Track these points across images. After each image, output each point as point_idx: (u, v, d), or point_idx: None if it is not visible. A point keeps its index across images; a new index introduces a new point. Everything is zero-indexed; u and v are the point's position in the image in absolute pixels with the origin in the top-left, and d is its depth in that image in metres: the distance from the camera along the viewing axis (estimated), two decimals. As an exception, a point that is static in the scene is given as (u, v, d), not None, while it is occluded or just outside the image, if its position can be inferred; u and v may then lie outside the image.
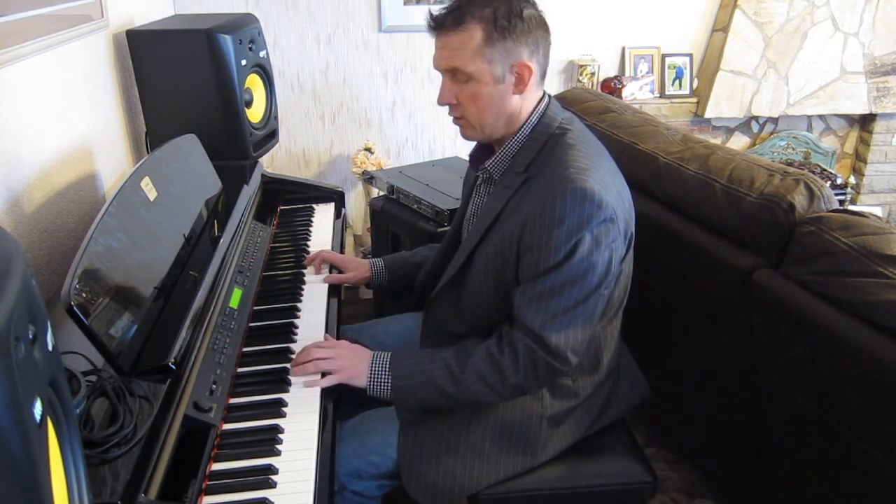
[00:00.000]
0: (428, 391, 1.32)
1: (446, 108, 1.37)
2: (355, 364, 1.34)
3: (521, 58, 1.28)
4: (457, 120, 1.37)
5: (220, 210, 1.71)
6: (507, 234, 1.31)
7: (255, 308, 1.53)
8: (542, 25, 1.31)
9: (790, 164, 3.51)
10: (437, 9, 1.31)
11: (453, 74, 1.30)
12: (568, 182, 1.23)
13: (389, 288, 1.73)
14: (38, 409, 0.54)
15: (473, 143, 1.48)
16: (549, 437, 1.40)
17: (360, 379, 1.33)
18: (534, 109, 1.35)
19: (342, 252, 1.92)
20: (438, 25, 1.29)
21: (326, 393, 1.29)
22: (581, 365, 1.41)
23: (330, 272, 1.72)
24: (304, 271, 1.71)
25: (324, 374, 1.32)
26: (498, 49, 1.26)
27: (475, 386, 1.30)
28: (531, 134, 1.35)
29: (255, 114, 2.05)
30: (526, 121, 1.35)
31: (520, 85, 1.30)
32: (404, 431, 1.39)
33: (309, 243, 1.86)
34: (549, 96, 1.39)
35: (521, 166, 1.34)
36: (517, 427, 1.39)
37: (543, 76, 1.35)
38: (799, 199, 1.46)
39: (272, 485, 1.06)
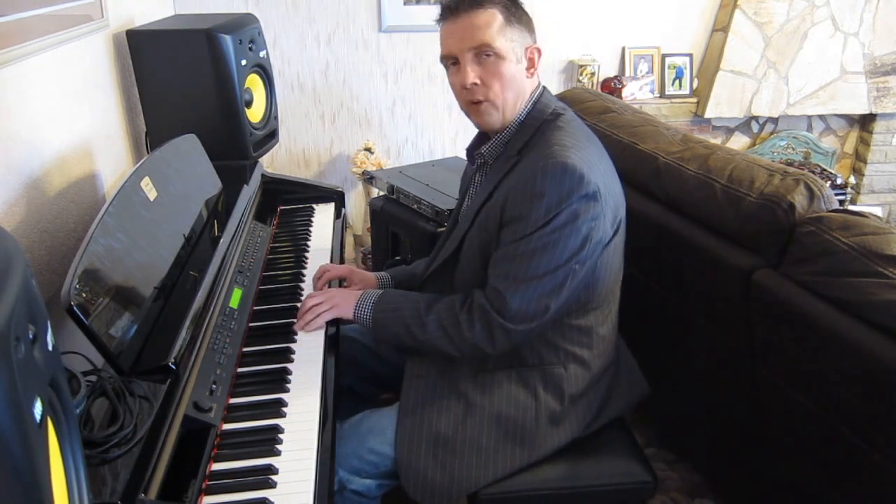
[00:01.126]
0: (399, 327, 1.39)
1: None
2: (346, 300, 1.46)
3: (531, 42, 1.38)
4: (476, 105, 1.37)
5: (220, 210, 1.71)
6: (490, 210, 1.35)
7: (255, 308, 1.53)
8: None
9: (790, 164, 3.51)
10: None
11: (477, 54, 1.33)
12: (549, 158, 1.27)
13: None
14: (38, 409, 0.54)
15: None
16: (548, 432, 1.40)
17: (349, 311, 1.44)
18: (529, 97, 1.40)
19: (342, 253, 1.92)
20: (456, 7, 1.35)
21: (326, 392, 1.29)
22: (576, 358, 1.42)
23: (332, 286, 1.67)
24: (304, 271, 1.71)
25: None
26: (516, 31, 1.35)
27: (436, 332, 1.35)
28: (525, 120, 1.39)
29: (255, 114, 2.05)
30: (521, 109, 1.39)
31: (531, 68, 1.38)
32: (401, 429, 1.39)
33: (309, 243, 1.86)
34: (544, 86, 1.44)
35: (513, 150, 1.38)
36: (513, 421, 1.39)
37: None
38: (799, 199, 1.46)
39: (272, 485, 1.06)
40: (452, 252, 1.46)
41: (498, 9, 1.33)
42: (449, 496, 1.36)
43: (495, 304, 1.31)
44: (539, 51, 1.39)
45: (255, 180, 1.98)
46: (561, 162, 1.26)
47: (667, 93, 3.47)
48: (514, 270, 1.30)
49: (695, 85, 3.51)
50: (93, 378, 1.03)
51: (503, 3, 1.34)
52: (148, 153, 1.97)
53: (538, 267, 1.28)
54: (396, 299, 1.44)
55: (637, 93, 3.39)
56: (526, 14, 1.38)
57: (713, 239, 1.61)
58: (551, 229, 1.27)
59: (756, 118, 3.62)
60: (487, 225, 1.36)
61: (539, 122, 1.37)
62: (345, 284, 1.66)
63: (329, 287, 1.62)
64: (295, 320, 1.48)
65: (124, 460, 0.92)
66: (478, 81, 1.35)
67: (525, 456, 1.39)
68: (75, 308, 1.00)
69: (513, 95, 1.37)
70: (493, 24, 1.32)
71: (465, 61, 1.34)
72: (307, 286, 1.64)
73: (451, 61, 1.37)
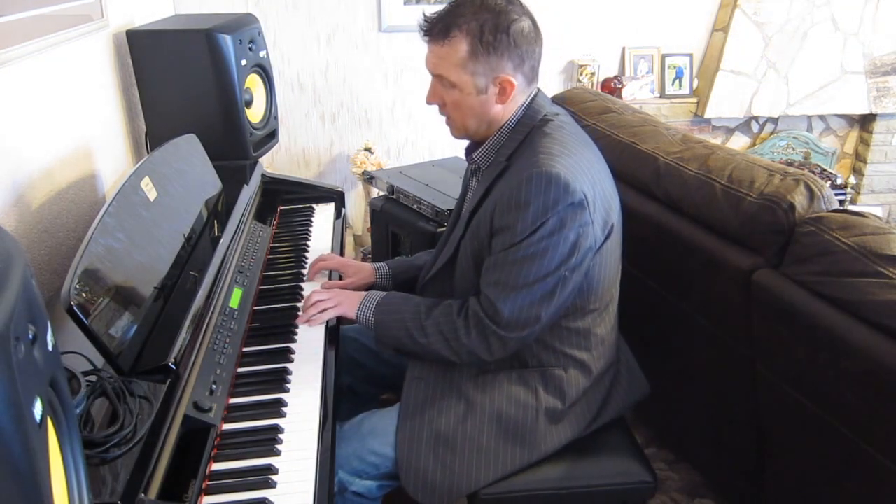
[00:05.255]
0: (399, 330, 1.40)
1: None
2: (351, 300, 1.47)
3: (503, 72, 1.32)
4: (445, 119, 1.43)
5: (220, 210, 1.71)
6: (481, 219, 1.36)
7: (255, 308, 1.53)
8: (531, 38, 1.32)
9: (790, 164, 3.51)
10: (430, 11, 1.35)
11: (440, 79, 1.36)
12: (534, 167, 1.27)
13: (393, 290, 1.69)
14: (38, 409, 0.54)
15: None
16: (548, 431, 1.41)
17: (352, 311, 1.46)
18: (517, 108, 1.39)
19: (342, 253, 1.92)
20: (426, 32, 1.34)
21: (326, 392, 1.30)
22: (576, 361, 1.42)
23: (329, 278, 1.70)
24: (304, 271, 1.71)
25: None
26: (481, 63, 1.31)
27: (434, 336, 1.37)
28: (515, 126, 1.38)
29: (255, 114, 2.05)
30: (511, 115, 1.38)
31: (502, 96, 1.34)
32: (401, 429, 1.39)
33: (309, 243, 1.86)
34: (538, 89, 1.42)
35: (503, 156, 1.38)
36: (514, 420, 1.39)
37: (532, 80, 1.38)
38: (799, 199, 1.46)
39: (272, 485, 1.06)
40: (450, 257, 1.47)
41: (466, 38, 1.28)
42: (449, 495, 1.36)
43: (488, 311, 1.32)
44: (511, 83, 1.31)
45: (255, 180, 1.98)
46: (546, 171, 1.26)
47: (667, 93, 3.47)
48: (505, 278, 1.30)
49: (695, 85, 3.51)
50: (93, 378, 1.04)
51: (475, 30, 1.28)
52: (148, 153, 1.97)
53: (528, 275, 1.29)
54: (398, 302, 1.44)
55: (637, 93, 3.39)
56: (507, 38, 1.28)
57: (713, 239, 1.61)
58: (539, 238, 1.27)
59: (756, 118, 3.62)
60: (479, 233, 1.37)
61: (529, 128, 1.37)
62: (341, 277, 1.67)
63: (329, 279, 1.64)
64: (299, 313, 1.50)
65: (124, 460, 0.93)
66: (439, 102, 1.39)
67: (525, 455, 1.39)
68: (75, 308, 1.00)
69: (473, 122, 1.38)
70: (452, 57, 1.30)
71: (432, 81, 1.38)
72: (307, 286, 1.64)
73: None
